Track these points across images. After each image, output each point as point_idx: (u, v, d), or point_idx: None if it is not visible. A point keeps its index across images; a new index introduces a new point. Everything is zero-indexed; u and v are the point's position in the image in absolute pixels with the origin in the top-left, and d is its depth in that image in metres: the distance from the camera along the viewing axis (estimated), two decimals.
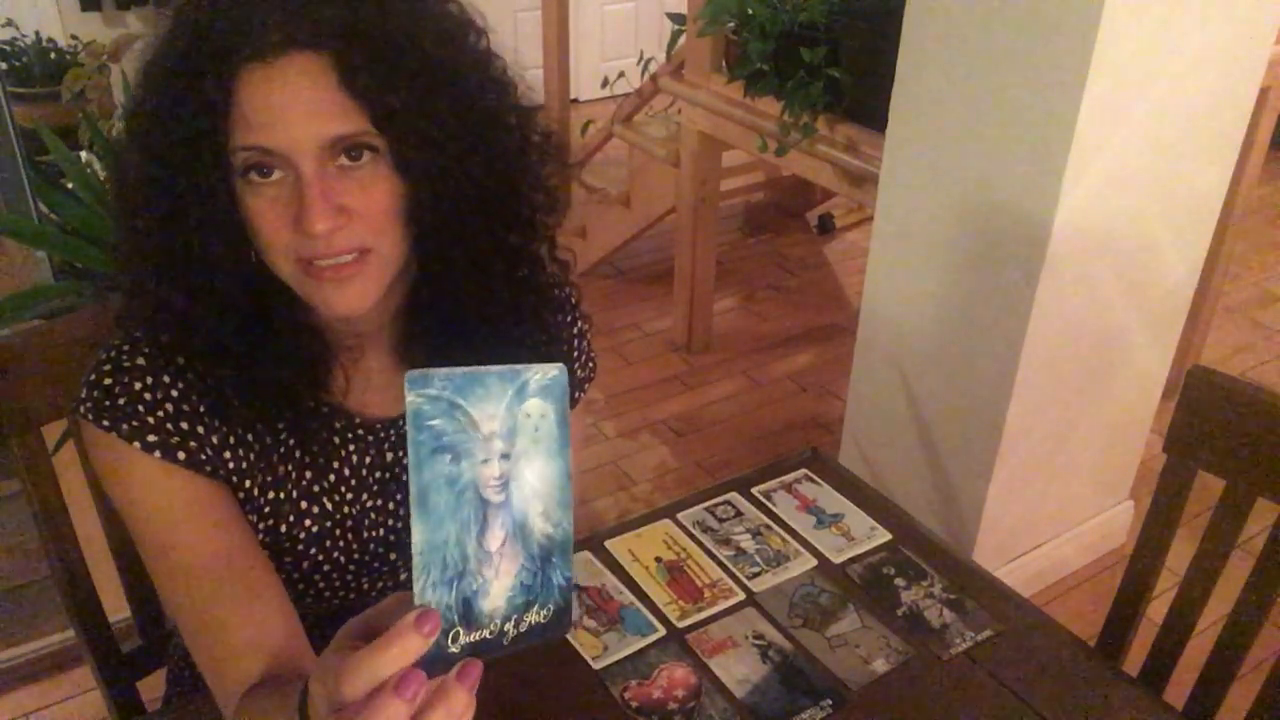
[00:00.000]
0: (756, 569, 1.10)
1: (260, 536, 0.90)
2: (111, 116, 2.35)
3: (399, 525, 0.96)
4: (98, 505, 1.12)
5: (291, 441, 0.90)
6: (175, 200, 0.77)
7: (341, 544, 0.94)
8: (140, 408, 0.82)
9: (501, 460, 0.54)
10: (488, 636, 0.55)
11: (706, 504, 1.20)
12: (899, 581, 1.10)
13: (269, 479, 0.90)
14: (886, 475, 2.19)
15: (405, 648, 0.51)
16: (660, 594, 1.06)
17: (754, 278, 3.55)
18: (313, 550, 0.92)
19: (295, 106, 0.73)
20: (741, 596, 1.07)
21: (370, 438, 0.93)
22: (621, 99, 3.30)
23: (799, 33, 2.27)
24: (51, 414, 1.08)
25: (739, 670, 0.98)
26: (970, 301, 1.87)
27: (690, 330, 3.06)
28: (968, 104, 1.75)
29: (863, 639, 1.02)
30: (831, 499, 1.21)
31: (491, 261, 0.85)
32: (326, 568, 0.94)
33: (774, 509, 1.19)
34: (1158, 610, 1.17)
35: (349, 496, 0.93)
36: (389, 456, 0.95)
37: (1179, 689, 1.12)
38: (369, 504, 0.94)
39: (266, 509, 0.90)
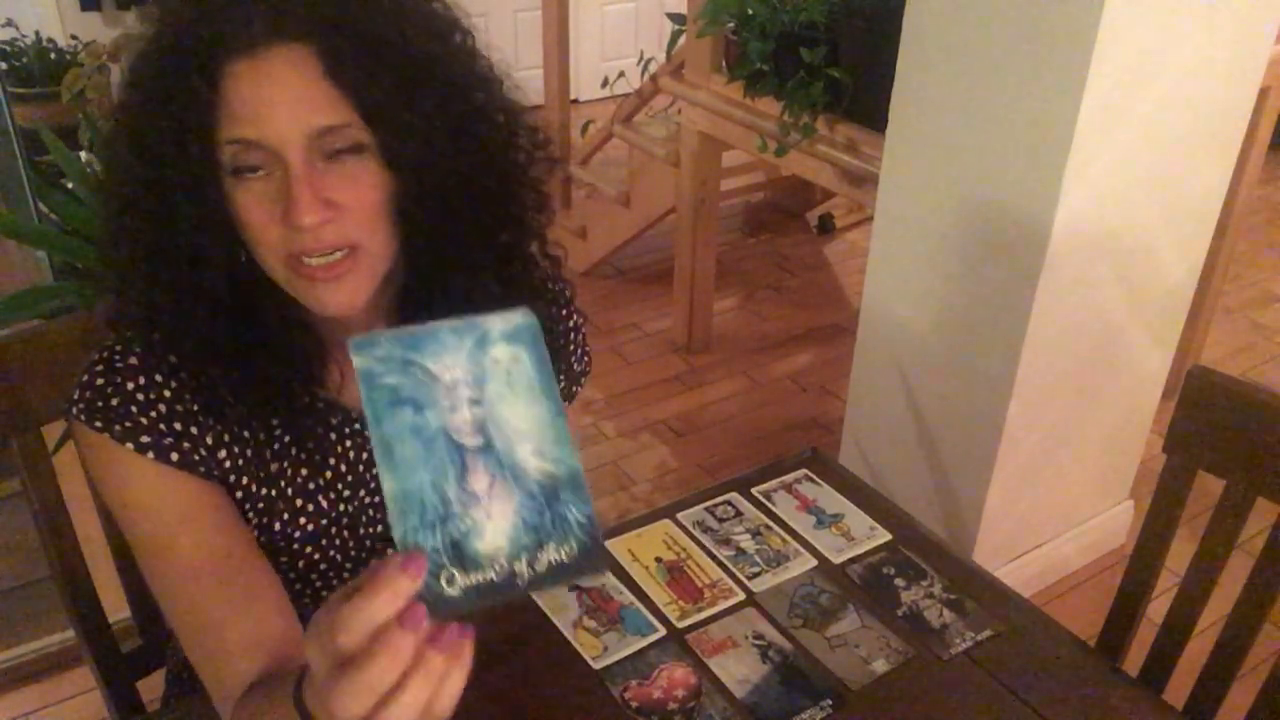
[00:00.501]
0: (756, 569, 1.10)
1: (257, 535, 0.90)
2: (111, 117, 2.35)
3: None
4: (98, 505, 1.11)
5: (287, 439, 0.90)
6: (163, 196, 0.77)
7: (338, 541, 0.94)
8: (133, 408, 0.82)
9: (472, 406, 0.53)
10: (494, 579, 0.53)
11: (706, 504, 1.20)
12: (899, 581, 1.10)
13: (264, 477, 0.89)
14: (886, 475, 2.19)
15: (394, 590, 0.50)
16: (660, 594, 1.06)
17: (754, 278, 3.55)
18: (309, 549, 0.92)
19: (281, 98, 0.74)
20: (741, 596, 1.07)
21: (366, 433, 0.93)
22: (621, 99, 3.30)
23: (799, 33, 2.27)
24: (51, 414, 1.07)
25: (739, 670, 0.98)
26: (970, 301, 1.87)
27: (690, 330, 3.06)
28: (968, 104, 1.75)
29: (863, 639, 1.02)
30: (831, 499, 1.21)
31: (481, 258, 0.85)
32: (324, 566, 0.94)
33: (774, 509, 1.19)
34: (1158, 610, 1.17)
35: (345, 493, 0.93)
36: None
37: (1179, 689, 1.12)
38: (366, 500, 0.94)
39: (262, 507, 0.90)
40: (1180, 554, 1.13)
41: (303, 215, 0.74)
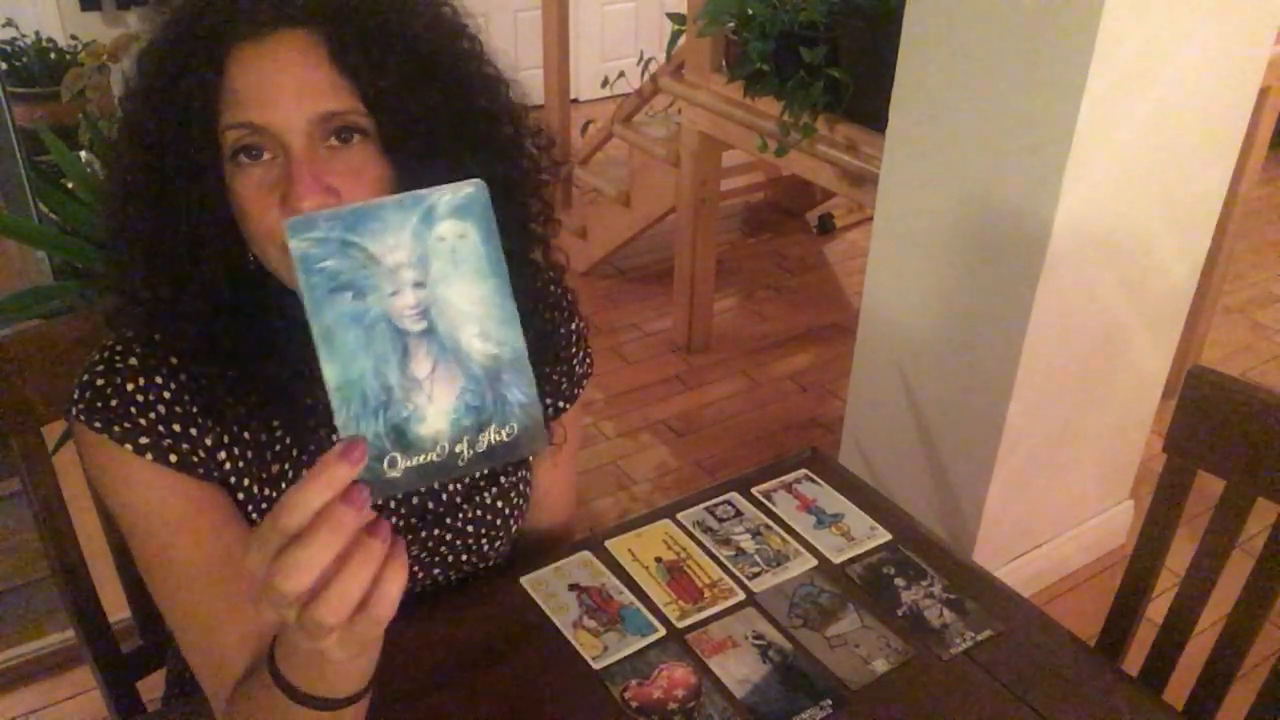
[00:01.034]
0: (756, 569, 1.10)
1: None
2: (111, 116, 2.35)
3: (398, 523, 0.96)
4: (97, 505, 1.11)
5: (288, 440, 0.89)
6: (165, 184, 0.77)
7: None
8: (132, 409, 0.82)
9: (415, 289, 0.53)
10: (435, 459, 0.53)
11: (706, 504, 1.19)
12: (899, 581, 1.10)
13: (265, 478, 0.89)
14: (886, 475, 2.19)
15: (332, 475, 0.51)
16: (660, 594, 1.06)
17: (754, 278, 3.55)
18: None
19: (286, 83, 0.74)
20: (741, 596, 1.07)
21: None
22: (621, 99, 3.30)
23: (799, 33, 2.27)
24: (51, 414, 1.07)
25: (739, 670, 0.98)
26: (970, 301, 1.88)
27: (690, 330, 3.06)
28: (968, 104, 1.75)
29: (863, 639, 1.02)
30: (831, 499, 1.21)
31: None
32: None
33: (774, 509, 1.19)
34: (1158, 610, 1.17)
35: None
36: None
37: (1179, 689, 1.12)
38: None
39: (264, 507, 0.90)
40: (1180, 554, 1.13)
41: (303, 199, 0.74)
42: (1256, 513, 1.06)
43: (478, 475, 0.99)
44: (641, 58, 3.17)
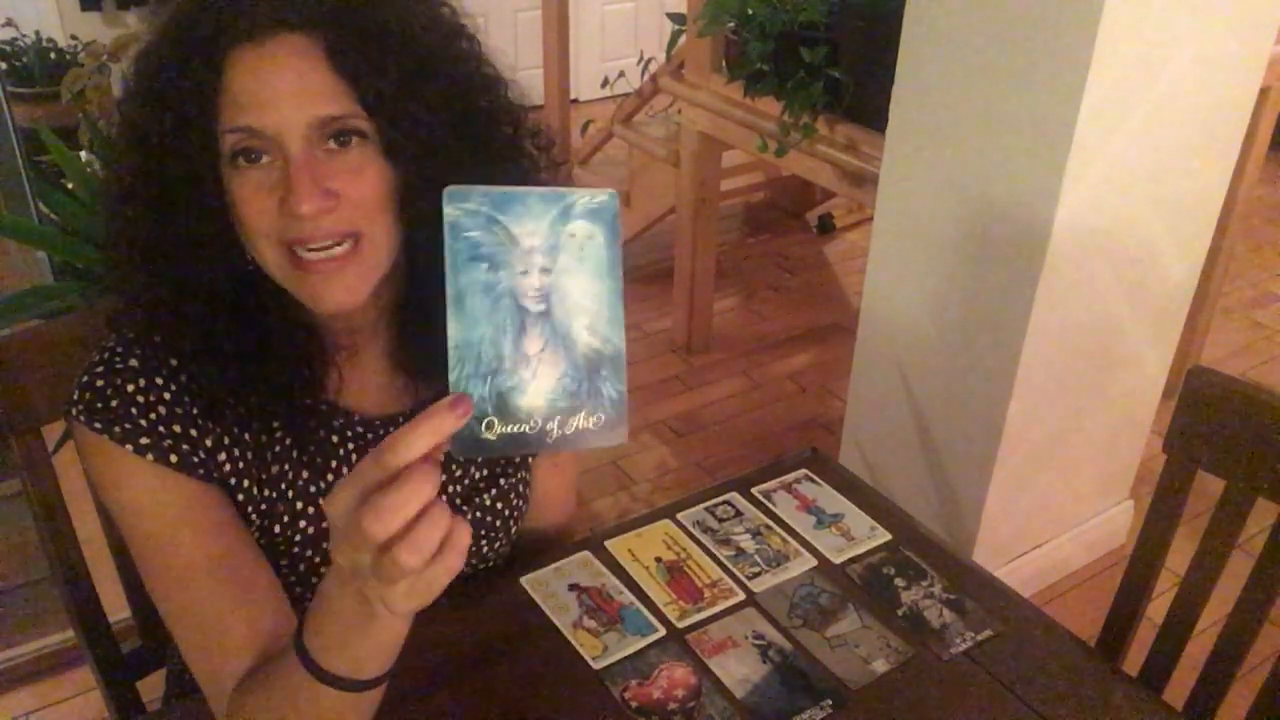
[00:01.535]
0: (756, 569, 1.10)
1: (257, 538, 0.89)
2: (111, 117, 2.35)
3: None
4: (97, 505, 1.11)
5: (288, 441, 0.89)
6: (164, 186, 0.77)
7: None
8: (133, 410, 0.82)
9: (542, 273, 0.57)
10: (527, 431, 0.58)
11: (706, 504, 1.19)
12: (899, 581, 1.10)
13: (265, 479, 0.89)
14: (886, 475, 2.19)
15: (441, 423, 0.55)
16: (660, 594, 1.06)
17: (754, 278, 3.55)
18: (309, 551, 0.92)
19: (284, 87, 0.74)
20: (741, 596, 1.07)
21: (370, 435, 0.93)
22: (621, 99, 3.30)
23: (799, 33, 2.27)
24: (51, 414, 1.07)
25: (739, 670, 0.98)
26: (970, 301, 1.87)
27: (690, 330, 3.06)
28: (968, 104, 1.75)
29: (863, 639, 1.02)
30: (831, 499, 1.21)
31: None
32: (324, 570, 0.93)
33: (774, 509, 1.19)
34: (1158, 610, 1.17)
35: None
36: None
37: (1179, 689, 1.12)
38: None
39: (264, 509, 0.89)
40: (1180, 554, 1.13)
41: (301, 203, 0.74)
42: (1256, 513, 1.06)
43: (477, 477, 0.99)
44: (641, 58, 3.18)
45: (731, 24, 2.46)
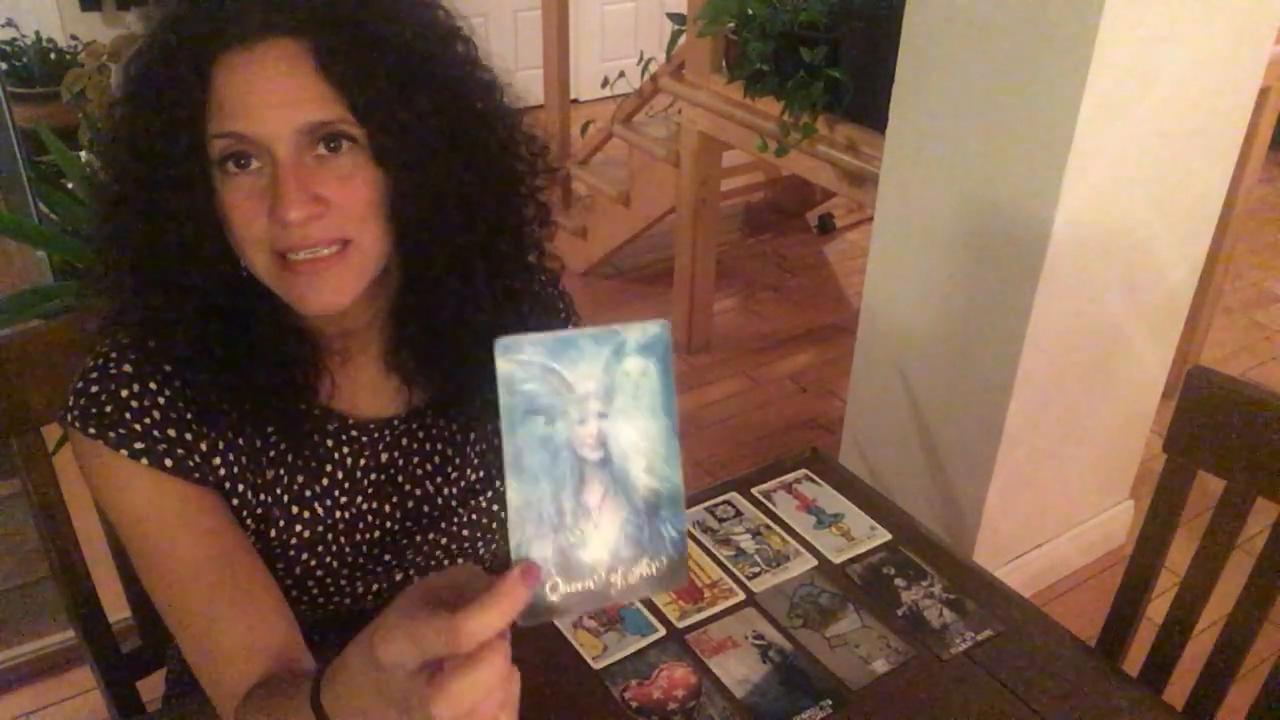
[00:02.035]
0: (756, 569, 1.10)
1: (253, 542, 0.89)
2: (107, 119, 2.35)
3: (394, 527, 0.96)
4: (97, 505, 1.11)
5: (283, 445, 0.89)
6: (154, 191, 0.77)
7: (335, 548, 0.93)
8: (127, 415, 0.82)
9: (599, 419, 0.55)
10: (591, 587, 0.55)
11: (706, 504, 1.19)
12: (899, 581, 1.10)
13: (260, 483, 0.89)
14: (886, 475, 2.19)
15: (514, 600, 0.52)
16: (660, 594, 1.06)
17: (754, 278, 3.55)
18: (305, 555, 0.92)
19: (272, 93, 0.73)
20: (741, 596, 1.07)
21: (364, 439, 0.93)
22: (621, 99, 3.30)
23: (799, 33, 2.27)
24: (51, 414, 1.07)
25: (739, 670, 0.98)
26: (970, 301, 1.87)
27: (690, 330, 3.06)
28: (968, 104, 1.75)
29: (863, 639, 1.02)
30: (831, 499, 1.21)
31: (474, 263, 0.84)
32: (320, 573, 0.93)
33: (774, 509, 1.19)
34: (1158, 610, 1.17)
35: (342, 500, 0.93)
36: (384, 458, 0.94)
37: (1179, 689, 1.12)
38: (364, 506, 0.94)
39: (259, 513, 0.89)
40: (1180, 554, 1.13)
41: (289, 210, 0.73)
42: (1256, 513, 1.06)
43: (474, 479, 0.99)
44: (641, 58, 3.17)
45: (731, 24, 2.46)
